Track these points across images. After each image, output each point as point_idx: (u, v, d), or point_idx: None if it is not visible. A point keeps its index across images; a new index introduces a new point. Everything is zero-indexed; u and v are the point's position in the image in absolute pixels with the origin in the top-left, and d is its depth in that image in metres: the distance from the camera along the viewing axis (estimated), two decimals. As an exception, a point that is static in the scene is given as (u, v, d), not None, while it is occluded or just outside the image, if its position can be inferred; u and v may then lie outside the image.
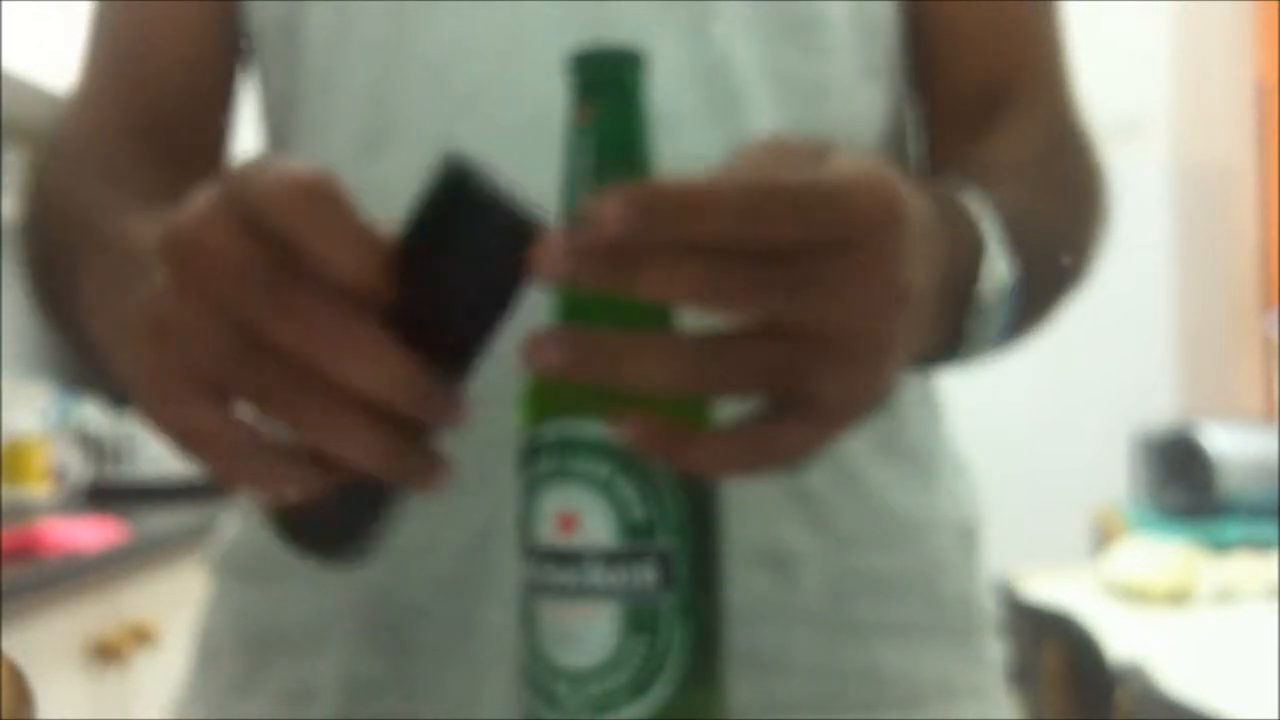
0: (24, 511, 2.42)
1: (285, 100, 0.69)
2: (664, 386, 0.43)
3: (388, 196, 0.51)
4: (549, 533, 0.48)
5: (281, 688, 0.66)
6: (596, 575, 0.47)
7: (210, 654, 0.70)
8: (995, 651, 0.72)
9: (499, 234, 0.44)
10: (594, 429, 0.47)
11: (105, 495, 2.78)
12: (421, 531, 0.62)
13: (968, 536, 0.71)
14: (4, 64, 2.34)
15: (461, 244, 0.44)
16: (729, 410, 0.51)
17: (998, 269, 0.56)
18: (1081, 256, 0.69)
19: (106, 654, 2.09)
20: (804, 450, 0.46)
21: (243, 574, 0.69)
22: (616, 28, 0.62)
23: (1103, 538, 2.64)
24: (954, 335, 0.57)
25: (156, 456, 2.96)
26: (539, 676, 0.49)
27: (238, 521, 0.70)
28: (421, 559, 0.62)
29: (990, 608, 0.72)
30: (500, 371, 0.55)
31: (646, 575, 0.47)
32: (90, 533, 2.14)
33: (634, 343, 0.43)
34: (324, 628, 0.65)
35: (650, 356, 0.43)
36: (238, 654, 0.68)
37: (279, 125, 0.70)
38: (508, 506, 0.59)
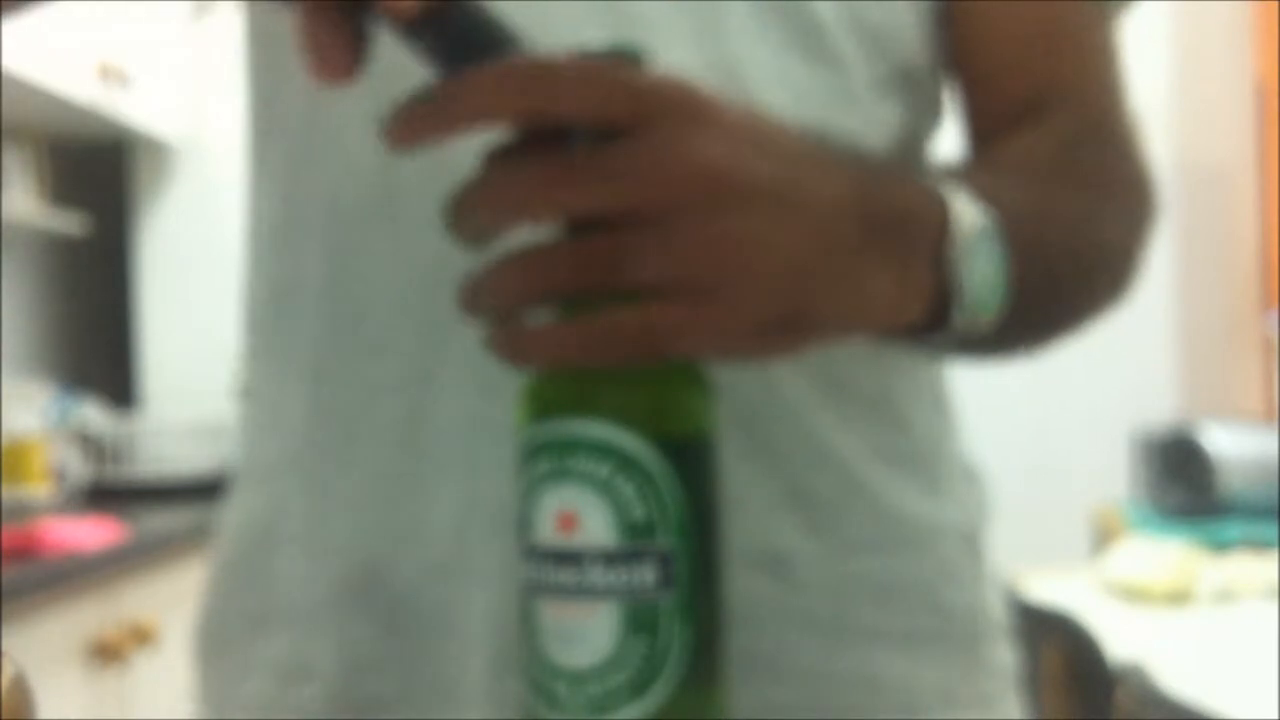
0: (24, 511, 2.42)
1: (298, 106, 0.68)
2: (512, 295, 0.47)
3: (404, 189, 0.51)
4: (549, 532, 0.48)
5: (280, 665, 0.66)
6: (596, 575, 0.47)
7: (212, 633, 0.71)
8: (1005, 660, 0.71)
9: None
10: (593, 428, 0.47)
11: (105, 495, 2.78)
12: (408, 515, 0.63)
13: (975, 544, 0.70)
14: (4, 64, 2.34)
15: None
16: (726, 374, 0.51)
17: (967, 215, 0.55)
18: (1110, 258, 0.67)
19: (106, 654, 2.09)
20: (658, 342, 0.47)
21: (246, 548, 0.70)
22: (633, 27, 0.62)
23: (1103, 538, 2.64)
24: (942, 303, 0.55)
25: (156, 456, 2.96)
26: (538, 676, 0.49)
27: (239, 505, 0.71)
28: (408, 541, 0.63)
29: (1000, 615, 0.71)
30: (487, 357, 0.55)
31: (646, 575, 0.47)
32: (90, 533, 2.14)
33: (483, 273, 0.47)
34: (320, 607, 0.65)
35: (493, 277, 0.47)
36: (239, 632, 0.69)
37: (296, 117, 0.69)
38: (488, 488, 0.60)
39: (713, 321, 0.47)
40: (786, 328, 0.49)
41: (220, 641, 0.70)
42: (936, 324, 0.55)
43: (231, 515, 0.72)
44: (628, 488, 0.47)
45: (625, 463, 0.47)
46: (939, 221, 0.54)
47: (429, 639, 0.63)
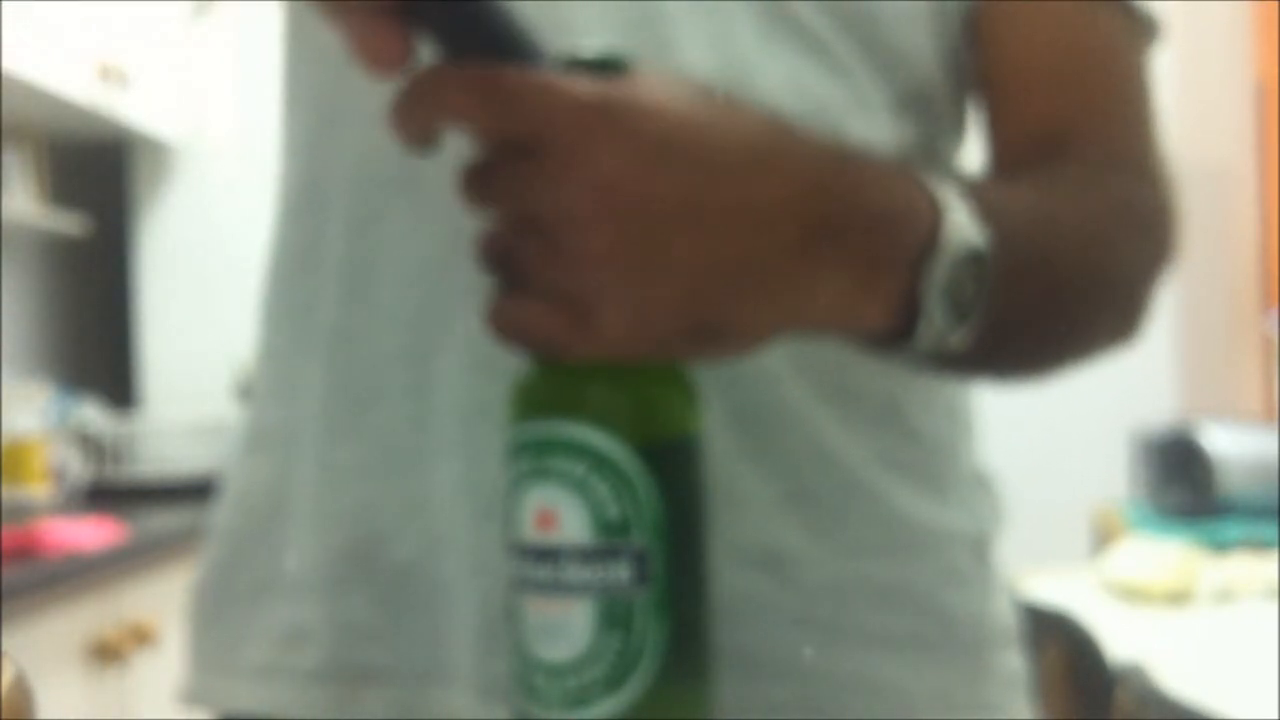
0: (24, 511, 2.42)
1: (324, 73, 0.69)
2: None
3: (423, 162, 0.52)
4: (529, 529, 0.49)
5: (278, 631, 0.67)
6: (573, 571, 0.48)
7: (214, 598, 0.71)
8: (1013, 667, 0.70)
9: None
10: (570, 429, 0.48)
11: (105, 495, 2.78)
12: (410, 490, 0.64)
13: (984, 551, 0.70)
14: (4, 64, 2.34)
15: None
16: (728, 374, 0.51)
17: (962, 229, 0.53)
18: (1122, 286, 0.65)
19: (106, 654, 2.09)
20: (550, 338, 0.48)
21: (253, 516, 0.70)
22: (649, 27, 0.62)
23: (1103, 538, 2.65)
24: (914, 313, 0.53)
25: (156, 456, 2.96)
26: (521, 669, 0.50)
27: (249, 469, 0.71)
28: (409, 516, 0.64)
29: (1010, 623, 0.71)
30: (485, 341, 0.56)
31: (621, 572, 0.48)
32: (90, 533, 2.14)
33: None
34: (321, 576, 0.66)
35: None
36: (242, 598, 0.69)
37: (321, 85, 0.70)
38: (485, 470, 0.61)
39: (599, 332, 0.48)
40: (707, 334, 0.49)
41: (223, 607, 0.71)
42: (908, 332, 0.54)
43: (239, 479, 0.72)
44: (602, 487, 0.47)
45: (600, 463, 0.48)
46: (924, 228, 0.52)
47: (421, 614, 0.64)
